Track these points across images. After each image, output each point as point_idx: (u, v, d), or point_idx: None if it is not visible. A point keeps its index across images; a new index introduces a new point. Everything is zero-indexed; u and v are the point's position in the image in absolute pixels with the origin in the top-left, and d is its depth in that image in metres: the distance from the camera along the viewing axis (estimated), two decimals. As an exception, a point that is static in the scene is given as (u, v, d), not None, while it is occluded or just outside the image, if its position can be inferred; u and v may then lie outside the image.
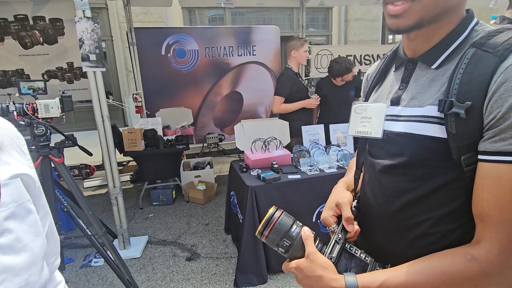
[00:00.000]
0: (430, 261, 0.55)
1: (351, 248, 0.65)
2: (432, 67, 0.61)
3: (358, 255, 0.64)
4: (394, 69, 0.71)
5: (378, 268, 0.63)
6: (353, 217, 0.71)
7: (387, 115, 0.67)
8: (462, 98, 0.52)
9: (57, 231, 1.85)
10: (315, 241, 0.64)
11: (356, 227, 0.69)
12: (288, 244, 0.63)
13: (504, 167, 0.49)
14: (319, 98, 3.03)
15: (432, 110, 0.57)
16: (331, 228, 0.72)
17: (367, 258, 0.64)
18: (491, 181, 0.50)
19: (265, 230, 0.64)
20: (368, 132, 0.69)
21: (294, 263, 0.64)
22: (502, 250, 0.49)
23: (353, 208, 0.74)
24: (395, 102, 0.66)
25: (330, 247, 0.64)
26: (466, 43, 0.57)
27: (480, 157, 0.52)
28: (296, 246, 0.63)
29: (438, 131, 0.56)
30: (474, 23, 0.59)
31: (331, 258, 0.62)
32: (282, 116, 2.92)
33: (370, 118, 0.70)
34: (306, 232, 0.64)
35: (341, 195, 0.76)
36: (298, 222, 0.67)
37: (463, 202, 0.56)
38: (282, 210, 0.67)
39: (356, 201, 0.77)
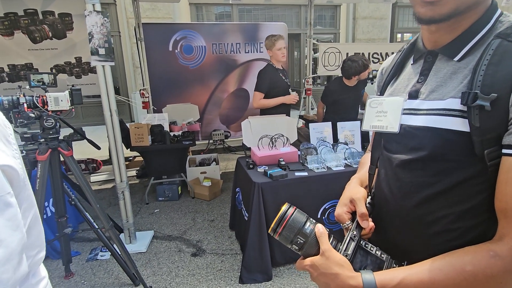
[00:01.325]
0: (451, 258, 0.53)
1: (367, 245, 0.63)
2: (454, 59, 0.59)
3: (373, 252, 0.62)
4: (412, 62, 0.69)
5: (394, 265, 0.61)
6: (368, 213, 0.69)
7: (405, 109, 0.65)
8: (487, 90, 0.51)
9: (65, 224, 1.82)
10: (329, 238, 0.63)
11: (371, 223, 0.68)
12: (302, 241, 0.62)
13: None
14: (297, 96, 2.98)
15: (454, 103, 0.55)
16: (345, 224, 0.70)
17: (383, 255, 0.62)
18: None
19: (278, 227, 0.63)
20: (384, 127, 0.68)
21: (308, 260, 0.62)
22: None
23: (368, 205, 0.72)
24: (413, 95, 0.64)
25: (345, 244, 0.63)
26: (490, 34, 0.55)
27: (504, 151, 0.50)
28: (310, 243, 0.62)
29: (460, 124, 0.54)
30: (498, 13, 0.57)
31: (346, 255, 0.61)
32: (263, 111, 2.95)
33: (386, 112, 0.68)
34: (320, 229, 0.63)
35: (355, 191, 0.74)
36: (311, 219, 0.66)
37: (485, 198, 0.54)
38: (295, 207, 0.66)
39: (370, 197, 0.75)
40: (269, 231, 0.65)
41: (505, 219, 0.50)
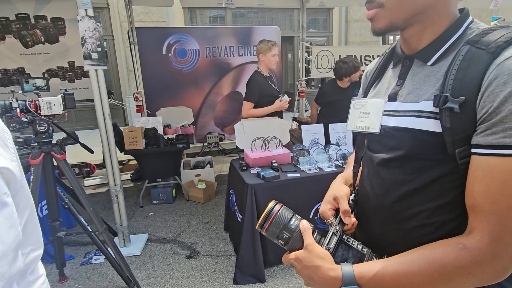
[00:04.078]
0: (424, 251, 0.57)
1: (349, 240, 0.66)
2: (428, 63, 0.62)
3: (355, 246, 0.65)
4: (392, 66, 0.73)
5: (374, 258, 0.64)
6: (351, 210, 0.73)
7: (385, 111, 0.68)
8: (456, 93, 0.54)
9: (58, 228, 1.83)
10: (313, 233, 0.66)
11: (353, 219, 0.71)
12: (287, 236, 0.65)
13: (495, 159, 0.50)
14: (290, 99, 2.84)
15: (428, 105, 0.59)
16: (329, 221, 0.73)
17: (364, 249, 0.65)
18: (482, 173, 0.52)
19: (265, 223, 0.66)
20: (366, 127, 0.71)
21: (293, 254, 0.66)
22: (493, 239, 0.51)
23: (351, 202, 0.75)
24: (393, 97, 0.68)
25: (328, 239, 0.66)
26: (460, 40, 0.59)
27: (473, 150, 0.53)
28: (295, 238, 0.65)
29: (433, 125, 0.57)
30: (469, 21, 0.61)
31: (328, 249, 0.64)
32: None
33: (368, 113, 0.72)
34: (305, 225, 0.66)
35: (339, 189, 0.78)
36: (297, 215, 0.69)
37: (457, 194, 0.58)
38: (281, 204, 0.69)
39: (353, 194, 0.79)
40: (256, 227, 0.68)
41: (474, 214, 0.54)
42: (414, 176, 0.61)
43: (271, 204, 0.68)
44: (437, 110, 0.56)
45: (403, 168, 0.63)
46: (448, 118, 0.55)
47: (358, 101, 0.76)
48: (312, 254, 0.62)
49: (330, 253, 0.63)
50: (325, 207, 0.76)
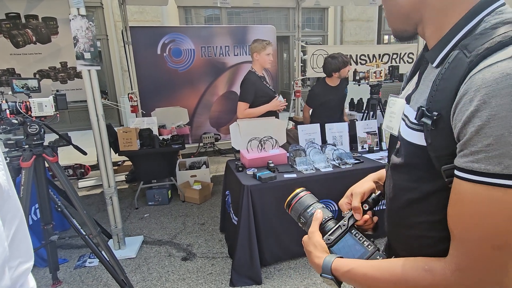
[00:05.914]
0: (397, 262, 0.56)
1: (356, 235, 0.68)
2: (433, 65, 0.56)
3: (361, 242, 0.67)
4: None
5: (378, 257, 0.64)
6: (368, 207, 0.74)
7: (403, 113, 0.65)
8: (434, 107, 0.50)
9: (50, 231, 1.78)
10: (327, 223, 0.72)
11: (366, 216, 0.71)
12: (304, 221, 0.76)
13: (466, 185, 0.45)
14: (285, 100, 2.85)
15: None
16: (344, 214, 0.76)
17: (369, 246, 0.65)
18: (456, 198, 0.48)
19: (290, 205, 0.77)
20: (391, 128, 0.71)
21: (304, 237, 0.74)
22: (459, 268, 0.47)
23: (370, 200, 0.76)
24: (407, 100, 0.64)
25: (332, 230, 0.70)
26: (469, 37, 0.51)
27: (455, 171, 0.48)
28: (309, 224, 0.74)
29: (419, 138, 0.54)
30: (487, 11, 0.49)
31: (328, 239, 0.68)
32: None
33: (395, 113, 0.71)
34: (317, 215, 0.72)
35: (359, 185, 0.78)
36: (318, 204, 0.76)
37: None
38: (308, 191, 0.78)
39: (379, 192, 0.78)
40: (284, 206, 0.79)
41: (452, 239, 0.50)
42: (417, 185, 0.58)
43: (298, 190, 0.79)
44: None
45: (408, 174, 0.61)
46: (428, 132, 0.50)
47: (391, 99, 0.75)
48: (310, 241, 0.69)
49: (329, 243, 0.68)
50: (342, 201, 0.80)
